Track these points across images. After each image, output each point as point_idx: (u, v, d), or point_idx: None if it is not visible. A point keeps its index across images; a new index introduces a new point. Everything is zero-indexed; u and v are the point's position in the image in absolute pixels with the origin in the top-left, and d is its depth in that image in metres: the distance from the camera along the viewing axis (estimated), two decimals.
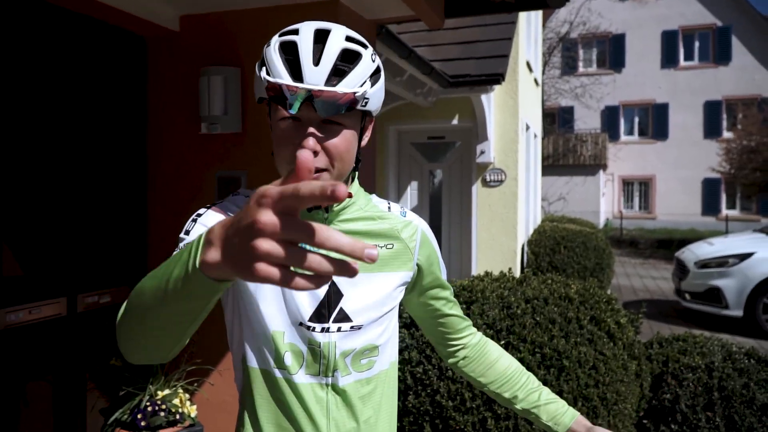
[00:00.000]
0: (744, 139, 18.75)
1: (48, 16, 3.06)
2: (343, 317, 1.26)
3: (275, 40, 1.17)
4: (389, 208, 1.39)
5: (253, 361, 1.27)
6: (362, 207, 1.33)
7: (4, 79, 2.86)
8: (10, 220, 2.90)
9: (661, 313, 9.67)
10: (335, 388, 1.27)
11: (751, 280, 8.37)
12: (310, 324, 1.24)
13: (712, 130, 25.14)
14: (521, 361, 3.20)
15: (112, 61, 3.50)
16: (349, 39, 1.17)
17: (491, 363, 1.55)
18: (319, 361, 1.26)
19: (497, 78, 7.70)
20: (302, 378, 1.25)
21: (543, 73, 17.85)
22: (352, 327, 1.27)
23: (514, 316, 3.35)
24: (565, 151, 24.86)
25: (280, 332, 1.24)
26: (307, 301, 1.24)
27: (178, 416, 3.14)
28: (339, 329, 1.26)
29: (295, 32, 1.17)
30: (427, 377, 3.25)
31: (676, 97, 25.65)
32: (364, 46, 1.20)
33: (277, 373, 1.25)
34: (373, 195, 1.41)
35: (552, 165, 24.40)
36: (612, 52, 26.66)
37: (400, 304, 1.45)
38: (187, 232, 1.23)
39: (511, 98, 8.71)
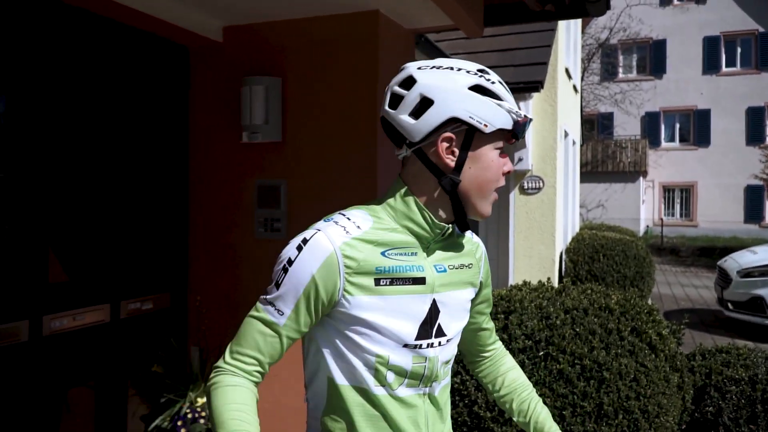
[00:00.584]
0: None
1: (95, 27, 3.11)
2: (440, 332, 1.36)
3: (489, 77, 1.31)
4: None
5: (343, 380, 1.31)
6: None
7: (54, 89, 2.91)
8: (56, 228, 2.95)
9: (703, 323, 9.41)
10: (431, 397, 1.38)
11: None
12: (416, 342, 1.32)
13: (755, 136, 24.45)
14: (560, 372, 3.13)
15: (156, 70, 3.54)
16: None
17: (503, 373, 1.65)
18: (423, 374, 1.34)
19: (536, 86, 7.61)
20: (403, 392, 1.33)
21: (582, 79, 17.62)
22: (447, 340, 1.38)
23: (553, 326, 3.28)
24: (605, 158, 24.45)
25: (385, 356, 1.29)
26: (412, 321, 1.32)
27: None
28: (440, 343, 1.36)
29: (486, 72, 1.32)
30: (464, 387, 3.20)
31: (718, 103, 25.04)
32: None
33: (375, 390, 1.30)
34: None
35: (591, 172, 24.01)
36: (653, 57, 26.16)
37: None
38: (278, 285, 1.30)
39: (550, 105, 8.60)
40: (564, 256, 9.21)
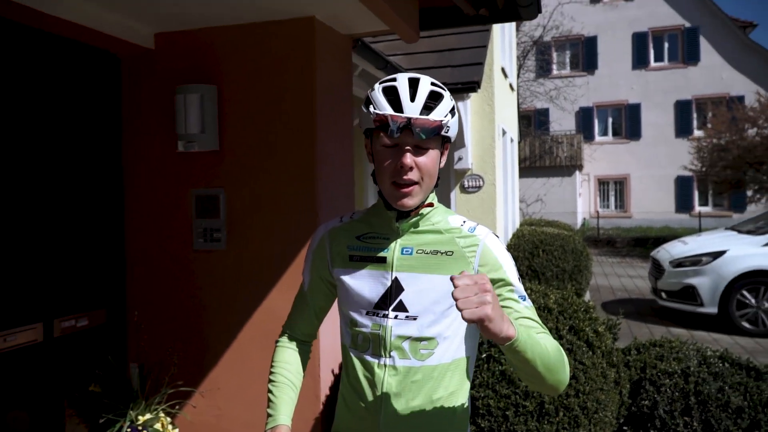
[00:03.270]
0: (714, 137, 18.89)
1: (19, 37, 2.99)
2: (401, 307, 1.57)
3: (378, 86, 1.55)
4: (462, 224, 1.64)
5: (342, 339, 1.69)
6: (434, 222, 1.63)
7: None
8: None
9: (638, 312, 9.74)
10: (392, 369, 1.57)
11: (724, 278, 8.45)
12: (374, 311, 1.59)
13: (683, 128, 25.42)
14: (502, 373, 3.18)
15: (85, 80, 3.43)
16: (433, 84, 1.55)
17: None
18: (380, 342, 1.58)
19: (473, 86, 7.71)
20: (368, 357, 1.60)
21: (518, 76, 17.93)
22: (407, 316, 1.57)
23: None
24: (542, 153, 24.99)
25: (354, 319, 1.62)
26: (374, 293, 1.60)
27: None
28: (396, 316, 1.57)
29: (393, 80, 1.54)
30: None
31: (648, 97, 25.91)
32: (444, 89, 1.57)
33: (351, 351, 1.64)
34: (455, 215, 1.68)
35: (529, 167, 24.51)
36: (585, 54, 26.87)
37: None
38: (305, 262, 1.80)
39: (488, 105, 8.73)
40: None
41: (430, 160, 1.53)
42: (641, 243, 19.80)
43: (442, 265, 1.57)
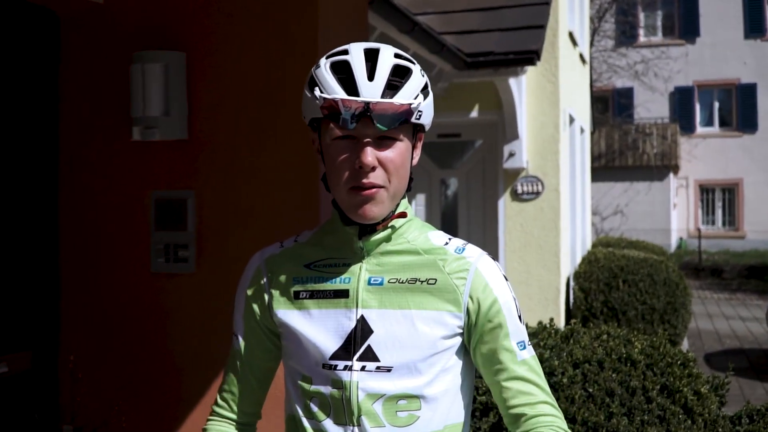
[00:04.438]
0: None
1: None
2: (370, 355, 1.54)
3: (324, 62, 1.54)
4: (447, 242, 1.64)
5: (289, 409, 1.65)
6: (410, 240, 1.62)
7: None
8: None
9: (753, 368, 9.65)
10: None
11: None
12: (331, 362, 1.55)
13: None
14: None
15: (8, 46, 3.47)
16: (397, 56, 1.54)
17: None
18: (343, 406, 1.53)
19: (531, 57, 7.71)
20: (330, 427, 1.55)
21: (591, 45, 17.93)
22: (378, 367, 1.53)
23: (558, 386, 3.32)
24: (623, 149, 24.93)
25: (308, 377, 1.58)
26: (332, 338, 1.56)
27: None
28: (363, 368, 1.53)
29: (345, 52, 1.53)
30: None
31: (766, 75, 25.77)
32: (412, 62, 1.56)
33: (305, 422, 1.59)
34: (435, 231, 1.67)
35: (605, 167, 24.45)
36: (682, 16, 26.84)
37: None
38: (235, 310, 1.80)
39: (550, 82, 8.72)
40: (572, 283, 9.34)
41: (398, 154, 1.52)
42: (758, 273, 19.68)
43: (422, 298, 1.56)
